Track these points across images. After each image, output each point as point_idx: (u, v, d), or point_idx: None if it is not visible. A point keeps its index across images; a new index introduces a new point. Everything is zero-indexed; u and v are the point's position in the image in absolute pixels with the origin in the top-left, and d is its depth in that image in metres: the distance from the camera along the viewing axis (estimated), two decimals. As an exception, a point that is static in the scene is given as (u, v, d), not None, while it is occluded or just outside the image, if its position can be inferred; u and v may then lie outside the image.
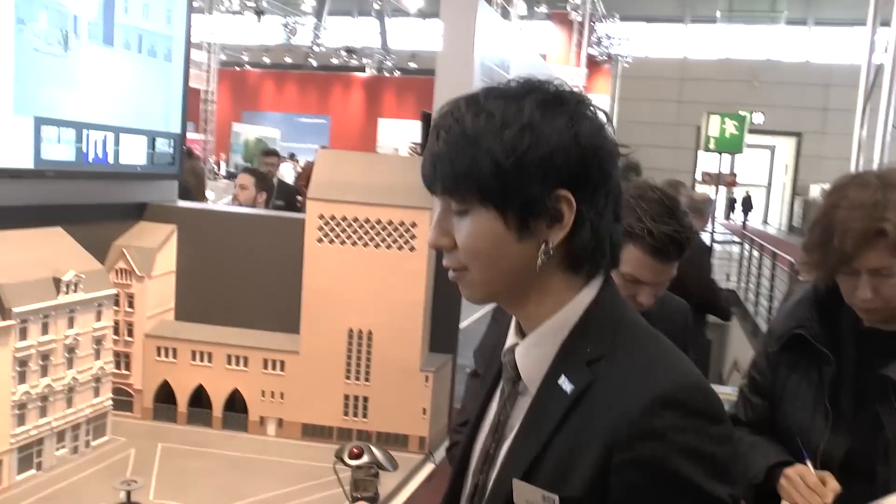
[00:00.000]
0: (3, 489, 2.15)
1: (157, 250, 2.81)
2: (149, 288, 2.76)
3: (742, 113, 14.97)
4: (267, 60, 30.15)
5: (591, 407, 1.04)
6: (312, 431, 2.75)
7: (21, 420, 2.19)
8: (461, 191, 1.08)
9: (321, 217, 2.66)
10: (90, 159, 2.61)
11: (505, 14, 14.16)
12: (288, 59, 29.88)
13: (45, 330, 2.24)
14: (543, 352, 1.13)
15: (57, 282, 2.28)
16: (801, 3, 29.40)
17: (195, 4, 15.49)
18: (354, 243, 2.66)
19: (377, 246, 2.66)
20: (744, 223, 28.33)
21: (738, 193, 28.71)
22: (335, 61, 30.29)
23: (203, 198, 9.45)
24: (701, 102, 23.11)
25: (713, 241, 13.99)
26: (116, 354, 2.74)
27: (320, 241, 2.67)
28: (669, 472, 0.99)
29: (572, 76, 18.58)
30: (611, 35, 22.92)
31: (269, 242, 2.91)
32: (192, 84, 16.62)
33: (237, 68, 30.43)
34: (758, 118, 25.94)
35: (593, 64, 21.88)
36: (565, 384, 1.07)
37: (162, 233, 2.88)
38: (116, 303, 2.71)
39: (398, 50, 31.54)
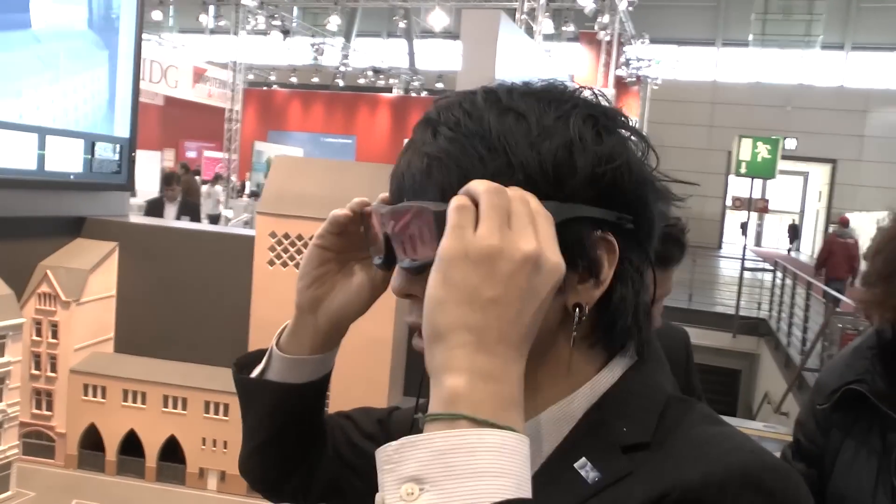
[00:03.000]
0: None
1: (89, 271, 2.44)
2: (77, 315, 2.38)
3: (774, 137, 14.46)
4: (294, 80, 30.08)
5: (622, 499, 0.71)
6: (261, 487, 2.35)
7: None
8: None
9: (272, 235, 2.27)
10: (2, 165, 2.24)
11: (529, 32, 13.83)
12: (315, 80, 29.77)
13: (-79, 366, 1.87)
14: (536, 448, 0.76)
15: (-59, 308, 1.91)
16: (838, 27, 28.72)
17: (221, 23, 15.45)
18: (314, 267, 2.26)
19: (340, 271, 2.26)
20: (789, 251, 27.69)
21: (777, 220, 28.06)
22: (362, 81, 30.16)
23: (197, 216, 9.23)
24: (732, 127, 22.50)
25: (743, 267, 13.49)
26: (37, 392, 2.38)
27: (272, 263, 2.28)
28: None
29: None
30: (640, 57, 22.48)
31: (221, 263, 2.53)
32: (215, 103, 16.60)
33: (265, 88, 30.40)
34: (790, 144, 25.30)
35: (622, 86, 21.41)
36: (587, 471, 0.74)
37: (98, 251, 2.51)
38: (39, 332, 2.35)
39: (425, 70, 31.36)
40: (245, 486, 2.34)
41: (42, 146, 2.35)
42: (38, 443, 2.38)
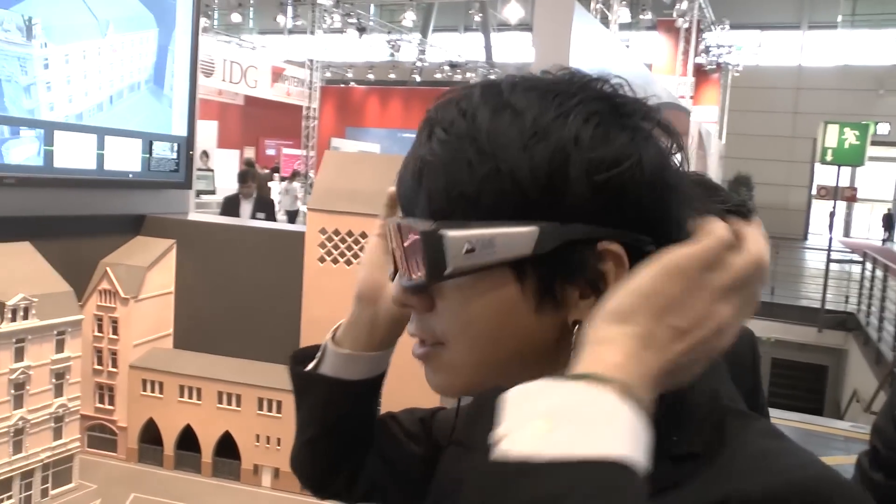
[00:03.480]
0: (-75, 550, 1.84)
1: (147, 268, 2.48)
2: (136, 311, 2.42)
3: (864, 122, 13.87)
4: (371, 77, 30.35)
5: None
6: (314, 484, 2.34)
7: (-51, 468, 1.88)
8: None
9: (323, 231, 2.26)
10: (63, 165, 2.29)
11: (605, 22, 13.59)
12: (392, 76, 29.98)
13: (-19, 363, 1.92)
14: None
15: (0, 306, 1.96)
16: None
17: (298, 23, 15.62)
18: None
19: (392, 266, 2.23)
20: (884, 241, 26.43)
21: (868, 209, 26.97)
22: (439, 76, 30.22)
23: (272, 211, 9.47)
24: (818, 113, 21.69)
25: (830, 258, 12.99)
26: (99, 386, 2.43)
27: (322, 260, 2.27)
28: None
29: (678, 86, 17.77)
30: (721, 43, 21.88)
31: (276, 260, 2.54)
32: (294, 101, 16.79)
33: (342, 85, 30.78)
34: (883, 129, 24.25)
35: (701, 73, 20.91)
36: None
37: (157, 249, 2.55)
38: (101, 328, 2.40)
39: (503, 63, 31.18)
40: (299, 484, 2.34)
41: (101, 146, 2.40)
42: (101, 436, 2.44)
